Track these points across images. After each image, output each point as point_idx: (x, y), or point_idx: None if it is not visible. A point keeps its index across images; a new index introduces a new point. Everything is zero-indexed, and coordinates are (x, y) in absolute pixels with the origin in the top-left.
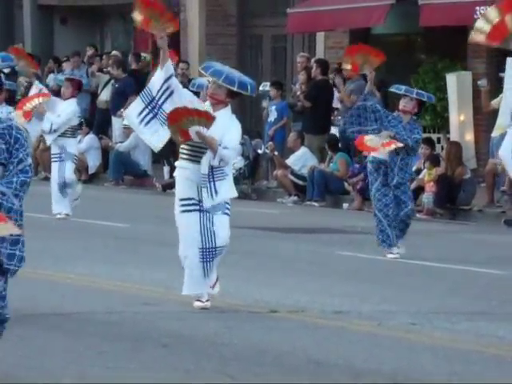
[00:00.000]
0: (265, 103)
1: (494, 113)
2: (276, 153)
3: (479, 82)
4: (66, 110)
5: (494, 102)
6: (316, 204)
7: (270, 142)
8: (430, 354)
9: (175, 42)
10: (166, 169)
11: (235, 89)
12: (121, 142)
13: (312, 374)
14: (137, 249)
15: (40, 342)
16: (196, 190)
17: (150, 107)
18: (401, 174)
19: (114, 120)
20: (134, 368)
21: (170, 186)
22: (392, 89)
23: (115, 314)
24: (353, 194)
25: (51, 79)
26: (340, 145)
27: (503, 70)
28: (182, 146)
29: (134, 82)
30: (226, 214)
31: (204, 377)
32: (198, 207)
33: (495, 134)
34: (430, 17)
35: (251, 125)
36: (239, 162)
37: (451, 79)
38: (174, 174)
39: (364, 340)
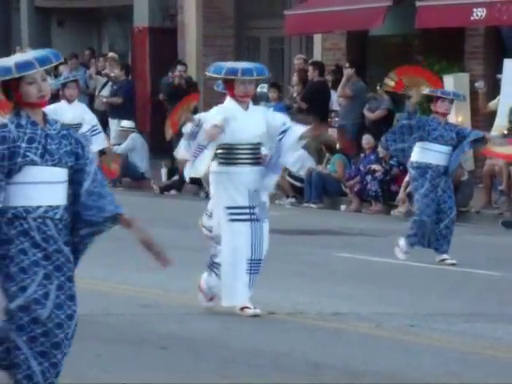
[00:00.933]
0: (262, 105)
1: (492, 114)
2: None
3: (476, 84)
4: (87, 111)
5: (492, 104)
6: (314, 206)
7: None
8: (428, 355)
9: (172, 44)
10: (164, 171)
11: (266, 76)
12: (118, 145)
13: (310, 376)
14: (135, 251)
15: None
16: (247, 196)
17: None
18: (448, 178)
19: (112, 122)
20: (132, 370)
21: (167, 188)
22: (438, 93)
23: (113, 316)
24: (350, 196)
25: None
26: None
27: (500, 72)
28: (220, 149)
29: (133, 85)
30: (268, 220)
31: (202, 378)
32: (249, 216)
33: (493, 135)
34: (427, 18)
35: None
36: None
37: (448, 81)
38: (211, 180)
39: (362, 342)
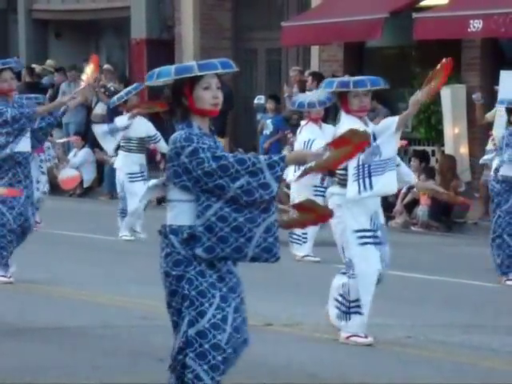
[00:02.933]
0: (259, 116)
1: (489, 126)
2: None
3: (474, 96)
4: (145, 122)
5: (489, 115)
6: None
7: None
8: (426, 366)
9: (170, 55)
10: None
11: (383, 86)
12: (116, 156)
13: None
14: (132, 262)
15: (35, 356)
16: (369, 218)
17: None
18: None
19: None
20: (129, 382)
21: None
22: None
23: (111, 328)
24: None
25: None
26: None
27: (497, 83)
28: (342, 169)
29: None
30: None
31: None
32: (374, 239)
33: (490, 146)
34: (425, 30)
35: (245, 138)
36: None
37: (445, 92)
38: (338, 202)
39: (359, 353)
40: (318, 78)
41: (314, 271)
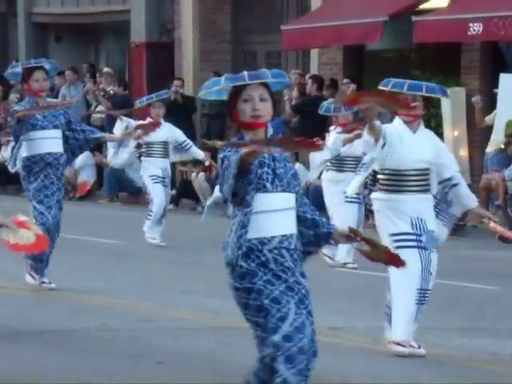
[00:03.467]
0: None
1: (488, 129)
2: None
3: (473, 99)
4: (174, 128)
5: (488, 119)
6: None
7: None
8: (426, 370)
9: (169, 58)
10: None
11: (424, 93)
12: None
13: None
14: (131, 265)
15: (35, 359)
16: (409, 223)
17: None
18: None
19: None
20: None
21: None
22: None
23: (110, 331)
24: None
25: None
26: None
27: (497, 87)
28: (383, 174)
29: (130, 99)
30: (436, 250)
31: None
32: (416, 243)
33: (489, 149)
34: (424, 33)
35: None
36: None
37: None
38: (376, 207)
39: (359, 356)
40: (318, 81)
41: (313, 274)
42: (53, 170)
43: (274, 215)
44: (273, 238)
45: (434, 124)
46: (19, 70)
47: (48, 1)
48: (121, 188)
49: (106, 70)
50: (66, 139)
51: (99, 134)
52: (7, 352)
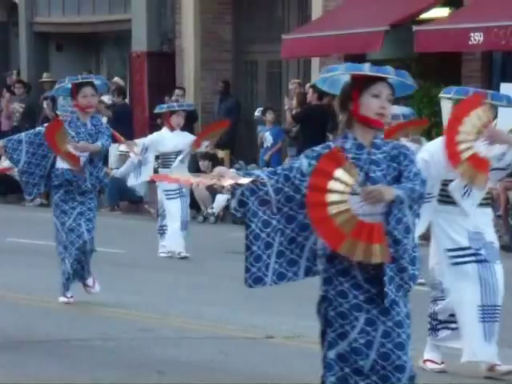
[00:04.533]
0: (259, 129)
1: None
2: None
3: None
4: (192, 137)
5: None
6: None
7: (265, 168)
8: (427, 378)
9: (170, 68)
10: None
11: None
12: (117, 168)
13: None
14: (132, 275)
15: (35, 368)
16: (466, 237)
17: None
18: None
19: (111, 146)
20: None
21: None
22: None
23: (111, 341)
24: None
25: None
26: None
27: None
28: (442, 185)
29: (131, 109)
30: (500, 262)
31: None
32: (474, 257)
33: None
34: (425, 43)
35: (246, 150)
36: None
37: (446, 105)
38: (431, 220)
39: None
40: (319, 90)
41: (315, 283)
42: (74, 187)
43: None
44: None
45: (436, 133)
46: (69, 85)
47: (49, 10)
48: (122, 197)
49: (116, 79)
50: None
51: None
52: (9, 361)
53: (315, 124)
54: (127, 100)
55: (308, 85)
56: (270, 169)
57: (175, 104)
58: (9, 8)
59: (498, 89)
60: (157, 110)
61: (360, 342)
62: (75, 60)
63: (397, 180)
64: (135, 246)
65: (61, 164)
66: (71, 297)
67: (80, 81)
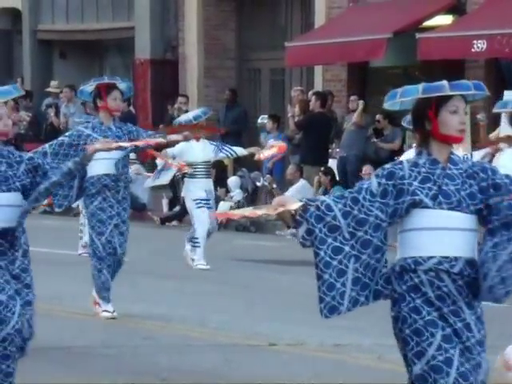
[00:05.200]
0: (263, 136)
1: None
2: (275, 186)
3: (479, 116)
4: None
5: (493, 136)
6: None
7: (268, 175)
8: None
9: (174, 75)
10: (165, 201)
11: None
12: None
13: None
14: (136, 282)
15: (38, 375)
16: None
17: None
18: None
19: None
20: None
21: (168, 219)
22: None
23: (114, 348)
24: None
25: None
26: (337, 177)
27: None
28: None
29: (134, 116)
30: None
31: None
32: None
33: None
34: (428, 50)
35: (249, 157)
36: (238, 195)
37: None
38: None
39: (364, 373)
40: (322, 97)
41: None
42: (112, 193)
43: (434, 234)
44: (430, 258)
45: None
46: (89, 89)
47: (53, 18)
48: None
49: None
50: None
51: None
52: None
53: (318, 131)
54: (132, 108)
55: (311, 92)
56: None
57: (191, 117)
58: (13, 16)
59: (501, 96)
60: (184, 122)
61: (439, 360)
62: (79, 67)
63: (473, 197)
64: (139, 254)
65: (95, 171)
66: (114, 311)
67: (110, 82)
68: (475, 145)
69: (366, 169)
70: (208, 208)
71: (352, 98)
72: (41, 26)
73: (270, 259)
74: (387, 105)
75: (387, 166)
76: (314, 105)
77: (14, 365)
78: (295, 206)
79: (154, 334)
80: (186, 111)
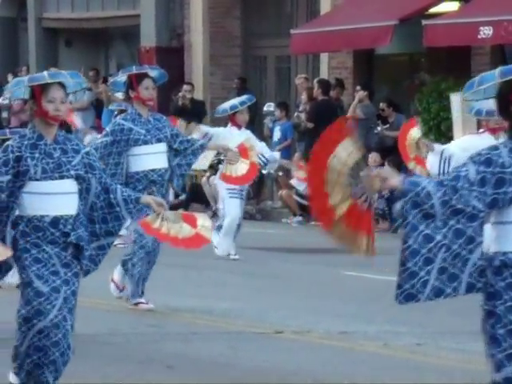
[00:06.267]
0: (267, 122)
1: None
2: (281, 173)
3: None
4: (253, 136)
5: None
6: None
7: (286, 160)
8: (436, 374)
9: (179, 63)
10: (171, 190)
11: None
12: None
13: None
14: None
15: None
16: None
17: None
18: None
19: None
20: None
21: (174, 207)
22: None
23: (120, 336)
24: None
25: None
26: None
27: None
28: None
29: None
30: None
31: None
32: None
33: None
34: (434, 37)
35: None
36: None
37: (455, 99)
38: None
39: (369, 360)
40: (325, 85)
41: (323, 278)
42: (157, 188)
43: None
44: None
45: (444, 128)
46: (122, 79)
47: (58, 6)
48: None
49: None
50: (175, 153)
51: (201, 142)
52: None
53: (322, 118)
54: None
55: (316, 79)
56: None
57: (237, 103)
58: (18, 4)
59: None
60: (221, 113)
61: None
62: (84, 55)
63: None
64: None
65: (140, 166)
66: (148, 301)
67: (141, 72)
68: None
69: (374, 158)
70: (241, 199)
71: (357, 87)
72: (46, 14)
73: (276, 247)
74: (467, 95)
75: (483, 151)
76: (317, 92)
77: (44, 359)
78: (397, 181)
79: (161, 321)
80: (191, 99)
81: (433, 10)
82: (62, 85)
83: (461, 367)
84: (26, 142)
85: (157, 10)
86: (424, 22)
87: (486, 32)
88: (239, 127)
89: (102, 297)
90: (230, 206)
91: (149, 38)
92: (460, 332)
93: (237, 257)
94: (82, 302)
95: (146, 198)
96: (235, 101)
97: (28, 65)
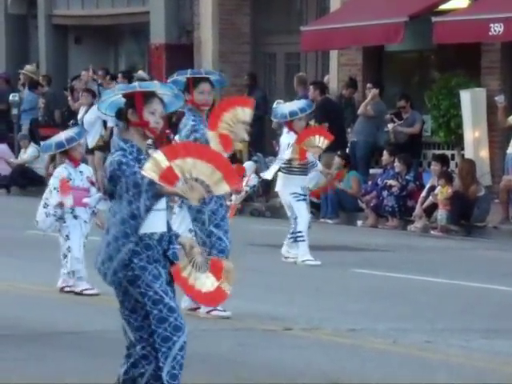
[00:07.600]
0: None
1: (509, 129)
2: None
3: (496, 98)
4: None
5: (511, 118)
6: (330, 221)
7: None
8: (445, 371)
9: (189, 60)
10: None
11: None
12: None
13: None
14: None
15: (55, 360)
16: None
17: None
18: None
19: None
20: None
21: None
22: None
23: None
24: (367, 211)
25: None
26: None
27: None
28: None
29: None
30: None
31: None
32: None
33: (510, 150)
34: (444, 34)
35: (264, 142)
36: (253, 180)
37: (465, 96)
38: None
39: (379, 358)
40: (320, 87)
41: (332, 275)
42: None
43: None
44: None
45: (454, 125)
46: (183, 78)
47: (68, 3)
48: None
49: (140, 72)
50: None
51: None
52: (29, 353)
53: (329, 116)
54: None
55: (310, 82)
56: None
57: (297, 109)
58: (28, 1)
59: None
60: (279, 118)
61: None
62: (94, 52)
63: None
64: None
65: None
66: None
67: (199, 76)
68: (493, 128)
69: (386, 158)
70: (304, 201)
71: (368, 85)
72: (56, 11)
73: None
74: None
75: None
76: (314, 94)
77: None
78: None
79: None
80: None
81: (443, 7)
82: (161, 100)
83: (470, 364)
84: (130, 157)
85: (166, 6)
86: (434, 19)
87: (497, 29)
88: (295, 133)
89: (111, 294)
90: (300, 211)
91: (158, 34)
92: (469, 330)
93: (318, 262)
94: (91, 300)
95: (183, 240)
96: (295, 107)
97: (38, 62)
